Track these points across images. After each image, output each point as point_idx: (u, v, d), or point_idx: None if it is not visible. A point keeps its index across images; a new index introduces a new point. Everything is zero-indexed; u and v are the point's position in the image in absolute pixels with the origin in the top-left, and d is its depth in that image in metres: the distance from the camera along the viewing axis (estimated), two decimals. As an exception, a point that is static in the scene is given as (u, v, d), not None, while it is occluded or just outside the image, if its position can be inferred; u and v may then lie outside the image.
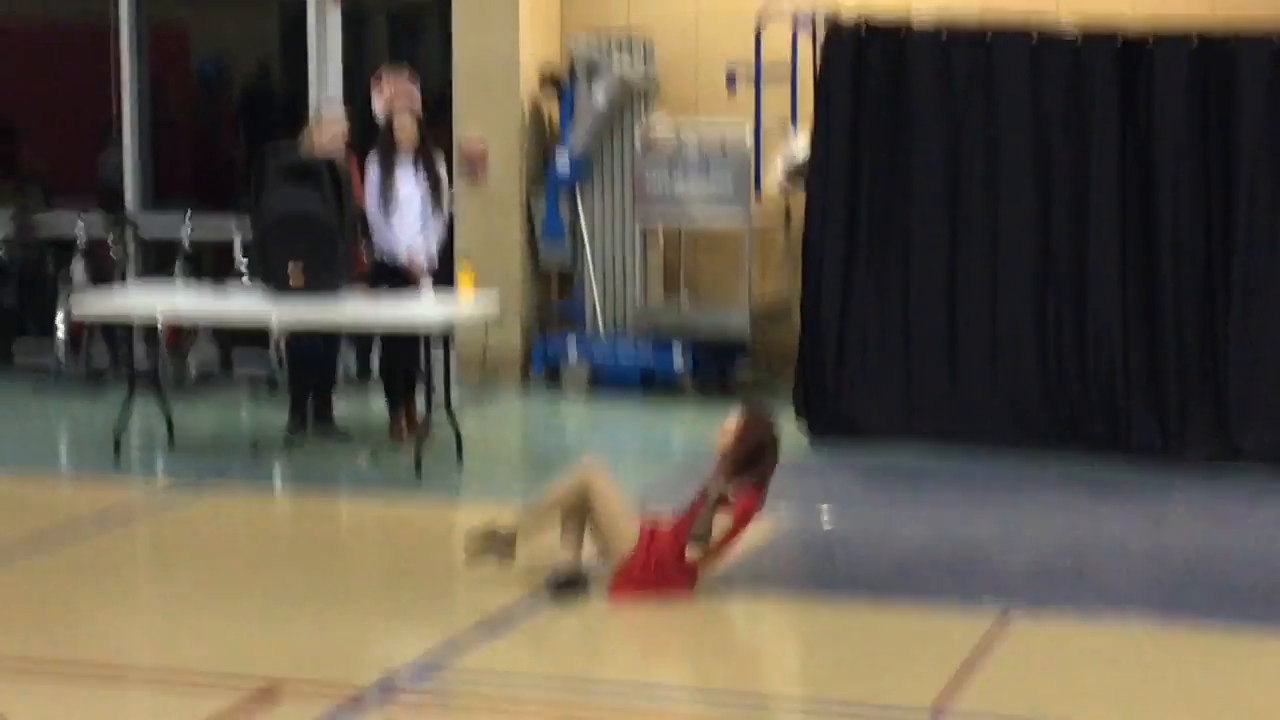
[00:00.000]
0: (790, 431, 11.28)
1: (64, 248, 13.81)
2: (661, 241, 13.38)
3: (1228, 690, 6.75)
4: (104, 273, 13.66)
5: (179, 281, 12.79)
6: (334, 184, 10.48)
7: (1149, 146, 10.70)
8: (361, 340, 12.49)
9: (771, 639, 7.81)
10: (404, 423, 11.20)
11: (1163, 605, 7.74)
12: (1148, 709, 6.53)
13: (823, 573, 8.40)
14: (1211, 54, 10.60)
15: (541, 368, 13.14)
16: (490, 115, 13.21)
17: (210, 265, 13.87)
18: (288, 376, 11.83)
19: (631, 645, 7.52)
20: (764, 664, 7.44)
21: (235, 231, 13.14)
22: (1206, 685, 6.81)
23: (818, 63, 11.49)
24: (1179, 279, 10.69)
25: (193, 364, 13.26)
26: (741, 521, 7.78)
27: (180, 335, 13.12)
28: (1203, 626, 7.49)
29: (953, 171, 11.07)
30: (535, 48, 13.29)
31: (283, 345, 12.68)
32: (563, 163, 13.06)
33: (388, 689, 6.64)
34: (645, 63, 13.07)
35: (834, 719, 6.51)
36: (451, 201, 11.89)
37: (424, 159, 11.17)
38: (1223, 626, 7.48)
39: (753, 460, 7.84)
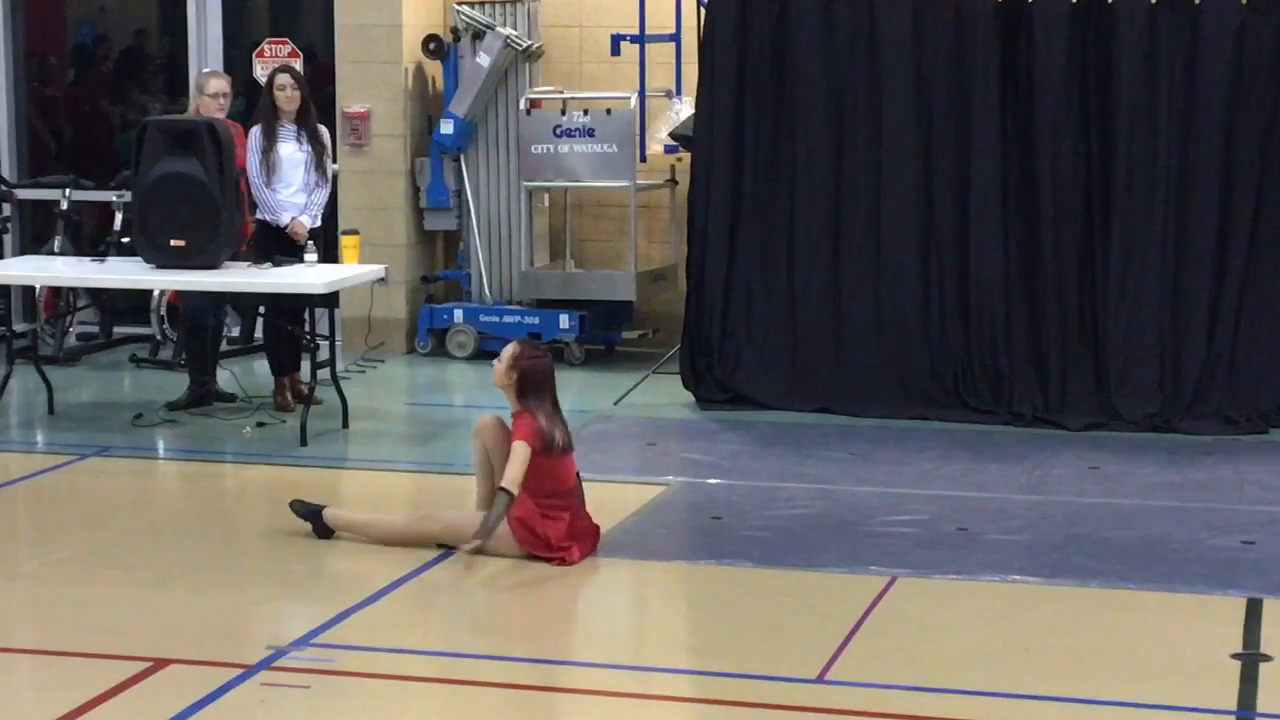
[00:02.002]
0: (679, 395, 11.35)
1: (-59, 219, 13.60)
2: (547, 206, 13.36)
3: (1108, 648, 6.85)
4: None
5: (57, 250, 12.62)
6: (214, 147, 10.36)
7: (1030, 108, 10.80)
8: (245, 307, 12.39)
9: (657, 607, 7.84)
10: (289, 390, 11.13)
11: (1044, 567, 7.84)
12: (1031, 669, 6.61)
13: (709, 539, 8.43)
14: (1091, 13, 10.70)
15: (427, 333, 13.10)
16: (373, 81, 13.12)
17: (90, 234, 13.72)
18: (184, 347, 11.70)
19: (517, 615, 7.52)
20: (650, 632, 7.46)
21: (115, 199, 12.98)
22: (1087, 644, 6.90)
23: (702, 26, 11.50)
24: (1059, 247, 10.81)
25: (73, 333, 13.10)
26: (518, 448, 7.82)
27: (59, 304, 12.96)
28: (1083, 586, 7.59)
29: (836, 135, 11.12)
30: (418, 13, 13.21)
31: (166, 313, 12.58)
32: (447, 128, 12.99)
33: (274, 664, 6.61)
34: (530, 27, 13.02)
35: (720, 689, 6.54)
36: (336, 167, 11.80)
37: (307, 126, 11.08)
38: (1102, 586, 7.58)
39: (523, 389, 7.96)
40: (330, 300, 10.83)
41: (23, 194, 13.86)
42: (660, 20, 12.47)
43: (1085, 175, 10.79)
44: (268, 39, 13.67)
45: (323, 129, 11.28)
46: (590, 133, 12.62)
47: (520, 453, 7.80)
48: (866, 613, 7.21)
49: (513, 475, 7.76)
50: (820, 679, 6.49)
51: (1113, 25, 10.68)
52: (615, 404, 11.34)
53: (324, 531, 8.28)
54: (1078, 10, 10.73)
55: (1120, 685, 6.42)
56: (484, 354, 12.87)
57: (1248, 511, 8.81)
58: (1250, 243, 10.66)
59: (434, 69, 13.36)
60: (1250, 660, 6.67)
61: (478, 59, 12.89)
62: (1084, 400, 10.77)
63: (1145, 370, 10.72)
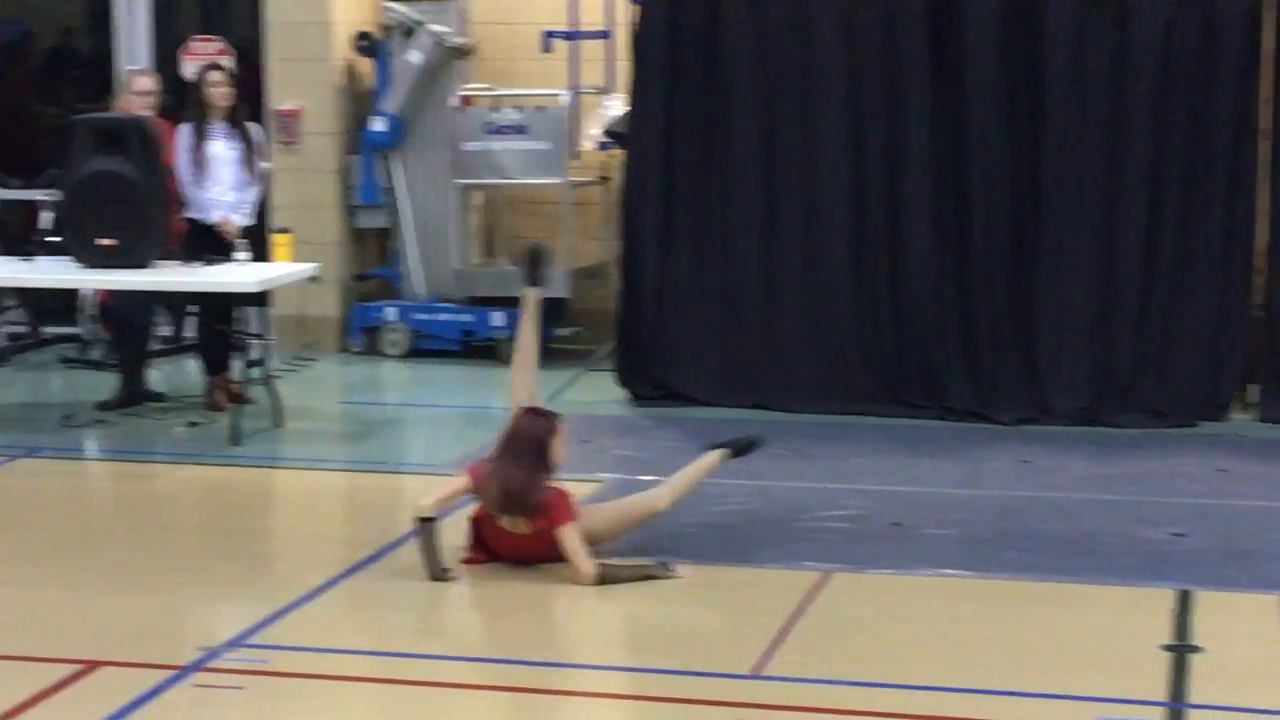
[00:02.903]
0: (612, 392, 11.36)
1: None
2: (480, 204, 13.34)
3: (1041, 641, 6.89)
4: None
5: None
6: (143, 144, 10.29)
7: (960, 106, 10.87)
8: (176, 306, 12.32)
9: (592, 604, 7.83)
10: (221, 390, 11.07)
11: (977, 560, 7.88)
12: (964, 662, 6.64)
13: (643, 536, 8.42)
14: (1020, 11, 10.76)
15: (360, 332, 13.06)
16: (304, 79, 13.07)
17: (17, 233, 13.59)
18: (115, 346, 11.62)
19: (456, 616, 7.50)
20: (585, 630, 7.45)
21: (43, 198, 12.87)
22: (1020, 637, 6.94)
23: (633, 22, 11.51)
24: (990, 242, 10.88)
25: (2, 333, 12.99)
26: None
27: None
28: (1016, 579, 7.63)
29: (769, 132, 11.15)
30: (348, 10, 13.17)
31: (98, 313, 12.49)
32: (379, 126, 12.95)
33: (208, 665, 6.57)
34: (460, 24, 12.99)
35: (656, 687, 6.54)
36: (269, 166, 11.74)
37: (237, 123, 11.02)
38: (1034, 579, 7.63)
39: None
40: (262, 299, 10.77)
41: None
42: (591, 17, 12.48)
43: (1015, 172, 10.86)
44: (197, 36, 13.59)
45: (253, 127, 11.22)
46: (522, 130, 12.60)
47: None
48: (801, 608, 7.23)
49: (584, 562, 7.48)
50: (756, 674, 6.51)
51: (1041, 23, 10.75)
52: (549, 401, 11.32)
53: None
54: (1007, 9, 10.80)
55: (1052, 677, 6.46)
56: (417, 352, 12.86)
57: (1177, 504, 8.88)
58: (1178, 237, 10.75)
59: (365, 66, 13.31)
60: (1180, 652, 6.72)
61: (409, 56, 12.86)
62: (1016, 395, 10.84)
63: (1076, 364, 10.81)
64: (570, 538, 7.46)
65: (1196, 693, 6.32)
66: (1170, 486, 9.28)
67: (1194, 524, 8.47)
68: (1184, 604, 7.27)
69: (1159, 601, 7.30)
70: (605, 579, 7.45)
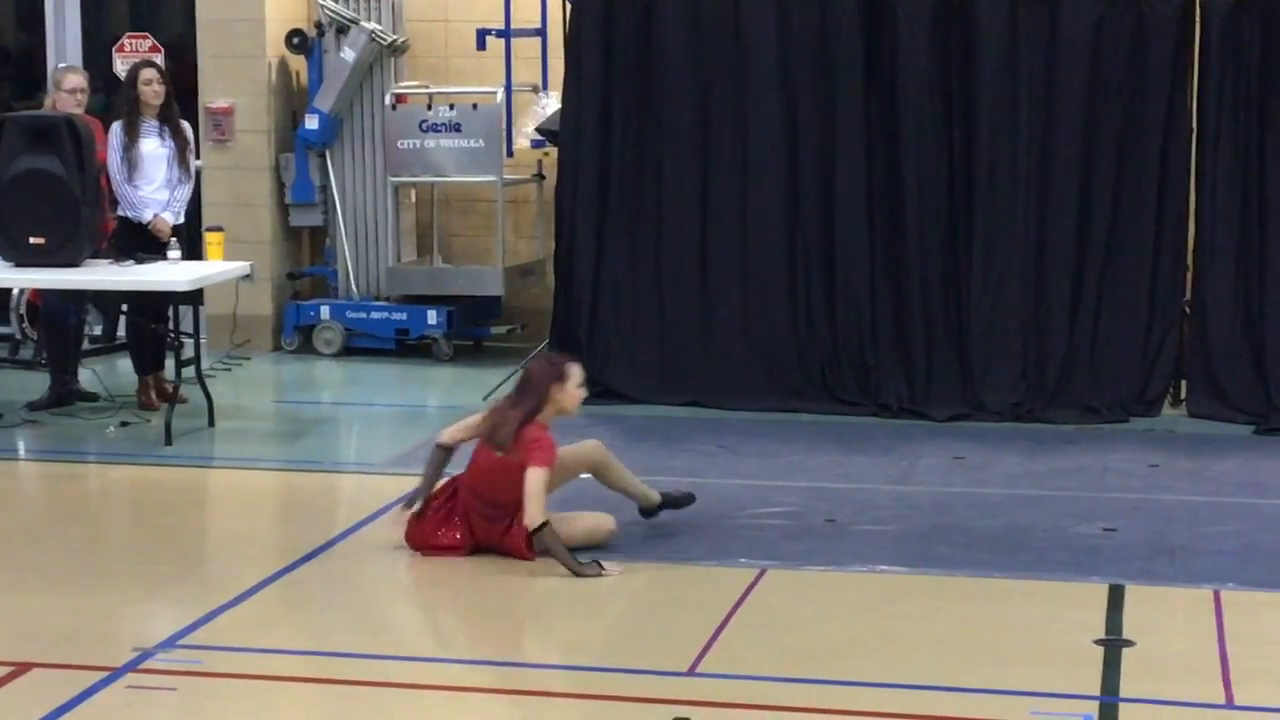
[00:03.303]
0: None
1: None
2: (414, 201, 13.30)
3: (974, 636, 6.93)
4: None
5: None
6: (74, 143, 10.21)
7: (893, 103, 10.91)
8: (107, 305, 12.22)
9: (528, 603, 7.82)
10: (153, 389, 11.00)
11: (911, 556, 7.91)
12: (899, 658, 6.67)
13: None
14: (952, 7, 10.81)
15: (294, 330, 13.00)
16: (236, 76, 13.00)
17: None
18: (45, 345, 11.52)
19: (389, 614, 7.49)
20: (520, 629, 7.45)
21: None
22: (954, 632, 6.98)
23: (567, 20, 11.50)
24: (924, 240, 10.93)
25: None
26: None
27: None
28: (950, 575, 7.67)
29: (703, 130, 11.17)
30: (281, 7, 13.10)
31: (26, 312, 12.39)
32: (312, 124, 12.90)
33: (140, 666, 6.53)
34: (394, 21, 12.95)
35: (592, 684, 6.55)
36: (200, 164, 11.68)
37: (170, 121, 10.95)
38: (968, 574, 7.67)
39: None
40: (194, 297, 10.70)
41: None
42: (526, 15, 12.45)
43: (948, 169, 10.91)
44: (128, 34, 13.50)
45: (185, 124, 11.15)
46: (457, 128, 12.57)
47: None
48: (737, 605, 7.24)
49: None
50: (691, 672, 6.51)
51: (974, 19, 10.80)
52: (484, 399, 11.28)
53: None
54: (939, 5, 10.84)
55: (986, 672, 6.50)
56: (351, 350, 12.81)
57: (1109, 499, 8.94)
58: (1110, 234, 10.82)
59: (298, 64, 13.25)
60: (1113, 646, 6.77)
61: (342, 54, 12.81)
62: (949, 391, 10.89)
63: (1009, 361, 10.87)
64: (535, 479, 7.59)
65: (1128, 686, 6.37)
66: (1102, 482, 9.34)
67: (1126, 519, 8.54)
68: (1116, 598, 7.32)
69: (1091, 596, 7.35)
70: (546, 540, 7.56)
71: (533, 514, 7.59)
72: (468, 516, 7.86)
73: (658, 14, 11.16)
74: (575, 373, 7.91)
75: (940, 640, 6.89)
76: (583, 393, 7.99)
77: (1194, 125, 10.75)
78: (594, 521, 7.99)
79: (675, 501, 8.33)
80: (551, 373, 7.86)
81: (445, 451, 7.98)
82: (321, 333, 12.91)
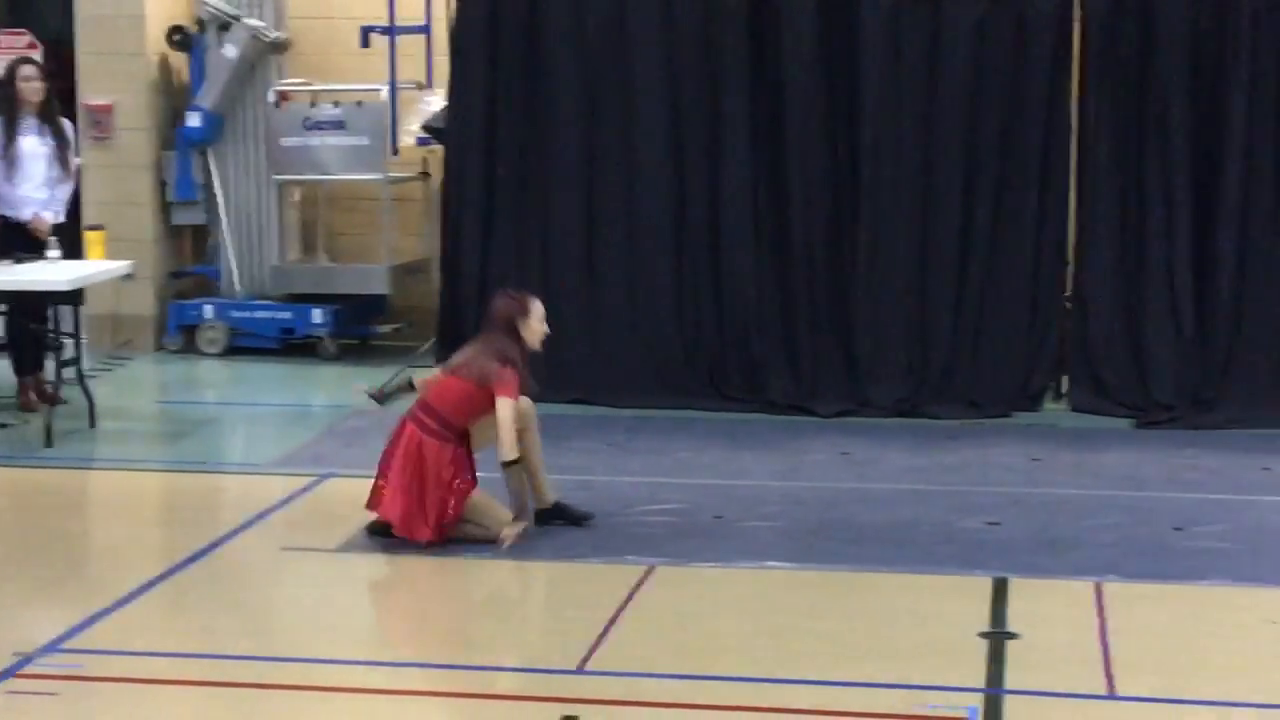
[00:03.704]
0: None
1: None
2: (298, 200, 13.21)
3: (862, 630, 6.97)
4: None
5: None
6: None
7: (779, 100, 10.96)
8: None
9: (416, 601, 7.80)
10: (33, 390, 10.85)
11: (799, 552, 7.95)
12: (787, 654, 6.70)
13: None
14: (836, 5, 10.88)
15: (177, 330, 12.87)
16: (116, 73, 12.85)
17: None
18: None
19: (272, 613, 7.43)
20: (408, 627, 7.42)
21: None
22: (842, 627, 7.02)
23: (452, 17, 11.46)
24: (809, 236, 10.99)
25: None
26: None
27: None
28: (837, 570, 7.71)
29: (589, 127, 11.18)
30: (162, 3, 12.97)
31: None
32: (194, 121, 12.77)
33: (20, 671, 6.44)
34: (277, 18, 12.85)
35: (480, 683, 6.53)
36: (80, 162, 11.53)
37: (49, 119, 10.82)
38: (855, 569, 7.72)
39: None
40: (74, 297, 10.56)
41: None
42: (410, 11, 12.40)
43: (833, 168, 10.98)
44: (4, 30, 13.31)
45: (65, 122, 11.02)
46: (341, 125, 12.50)
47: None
48: (625, 602, 7.24)
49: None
50: (580, 669, 6.51)
51: (857, 20, 10.87)
52: (366, 392, 11.23)
53: None
54: (823, 5, 10.90)
55: (872, 666, 6.54)
56: (235, 350, 12.70)
57: (993, 493, 9.03)
58: (992, 231, 10.92)
59: (179, 61, 13.12)
60: (997, 638, 6.83)
61: (224, 51, 12.70)
62: (835, 388, 10.96)
63: (894, 357, 10.95)
64: (506, 410, 7.80)
65: (1013, 678, 6.43)
66: (986, 476, 9.43)
67: (1009, 513, 8.62)
68: (1000, 591, 7.40)
69: (976, 589, 7.42)
70: (516, 476, 7.88)
71: (508, 446, 7.81)
72: (408, 428, 7.93)
73: (543, 12, 11.15)
74: (536, 306, 8.09)
75: (827, 635, 6.92)
76: (545, 328, 8.12)
77: (1073, 123, 10.87)
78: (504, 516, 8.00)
79: (570, 515, 8.29)
80: (518, 308, 8.04)
81: (519, 464, 7.94)
82: (205, 332, 12.80)
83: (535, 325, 8.06)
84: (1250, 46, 10.58)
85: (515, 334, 8.00)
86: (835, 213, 10.99)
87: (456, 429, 7.95)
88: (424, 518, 7.86)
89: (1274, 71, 10.60)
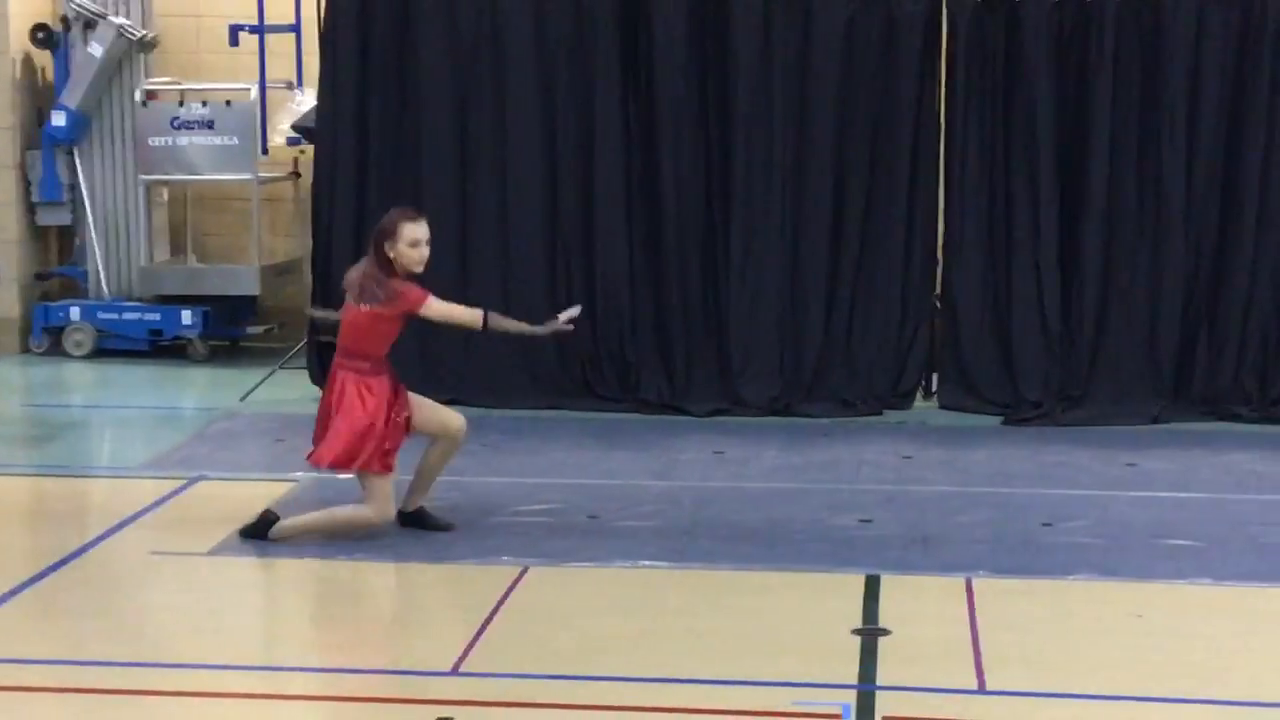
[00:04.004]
0: (307, 390, 11.22)
1: None
2: (166, 200, 13.07)
3: (736, 628, 7.00)
4: None
5: None
6: None
7: (651, 101, 10.99)
8: None
9: (288, 604, 7.75)
10: (-105, 395, 10.67)
11: (674, 551, 7.98)
12: (662, 653, 6.72)
13: (342, 535, 8.35)
14: (708, 6, 10.93)
15: (43, 332, 12.70)
16: (-21, 71, 12.65)
17: None
18: None
19: (144, 618, 7.34)
20: (280, 631, 7.36)
21: None
22: (716, 625, 7.05)
23: (322, 16, 11.38)
24: (682, 237, 11.03)
25: None
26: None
27: None
28: (711, 569, 7.74)
29: (461, 127, 11.14)
30: (27, 1, 12.77)
31: None
32: (59, 120, 12.60)
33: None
34: (144, 16, 12.71)
35: (354, 686, 6.50)
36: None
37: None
38: (729, 568, 7.75)
39: None
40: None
41: None
42: (280, 10, 12.30)
43: (705, 166, 11.03)
44: None
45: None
46: (210, 125, 12.38)
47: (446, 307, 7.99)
48: (500, 603, 7.24)
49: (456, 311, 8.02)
50: (455, 671, 6.50)
51: (728, 18, 10.92)
52: (242, 400, 11.16)
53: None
54: (694, 5, 10.95)
55: (747, 664, 6.58)
56: (102, 352, 12.55)
57: (865, 491, 9.11)
58: (862, 230, 11.01)
59: (44, 59, 12.94)
60: (869, 635, 6.90)
61: (90, 49, 12.54)
62: (708, 386, 11.01)
63: (766, 356, 11.02)
64: (438, 307, 7.93)
65: (885, 674, 6.49)
66: (858, 474, 9.51)
67: (881, 510, 8.70)
68: (872, 588, 7.46)
69: (849, 586, 7.48)
70: (498, 323, 8.17)
71: (470, 319, 8.03)
72: (337, 375, 7.97)
73: (414, 11, 11.09)
74: (406, 231, 7.89)
75: (702, 633, 6.95)
76: (417, 252, 7.92)
77: (941, 123, 10.99)
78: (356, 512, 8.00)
79: (430, 523, 8.24)
80: (383, 231, 7.92)
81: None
82: (72, 334, 12.63)
83: (404, 250, 7.85)
84: (1114, 49, 10.74)
85: (385, 257, 7.86)
86: (708, 213, 11.03)
87: (374, 357, 7.95)
88: (371, 450, 7.87)
89: (1138, 74, 10.77)
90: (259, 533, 7.95)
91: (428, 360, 11.16)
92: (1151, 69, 10.75)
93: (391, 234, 7.87)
